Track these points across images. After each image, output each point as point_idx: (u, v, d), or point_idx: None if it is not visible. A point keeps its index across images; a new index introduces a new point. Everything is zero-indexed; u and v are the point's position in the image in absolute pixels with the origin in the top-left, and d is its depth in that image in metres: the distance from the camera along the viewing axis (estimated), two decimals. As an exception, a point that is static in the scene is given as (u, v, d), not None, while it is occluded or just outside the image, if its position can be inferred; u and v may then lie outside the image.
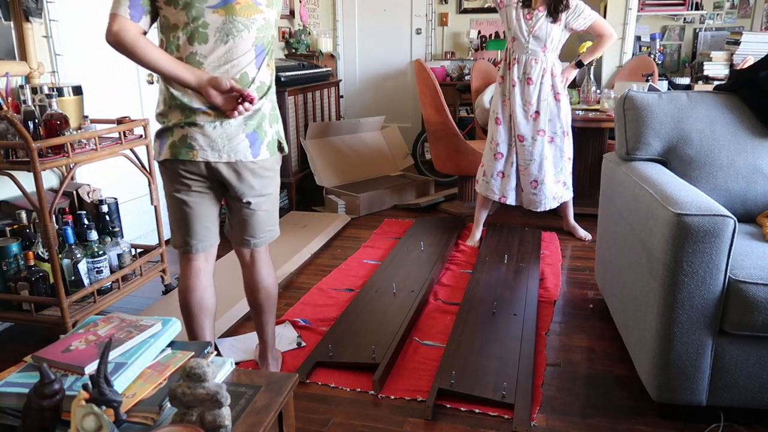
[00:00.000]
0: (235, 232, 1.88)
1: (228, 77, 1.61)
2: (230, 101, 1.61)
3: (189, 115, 1.63)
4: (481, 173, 3.39)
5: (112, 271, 2.46)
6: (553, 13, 3.04)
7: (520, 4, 3.11)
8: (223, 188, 1.79)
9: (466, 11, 5.45)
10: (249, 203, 1.80)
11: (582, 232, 3.46)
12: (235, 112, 1.62)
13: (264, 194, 1.81)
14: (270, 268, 1.96)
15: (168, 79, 1.62)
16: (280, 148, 1.81)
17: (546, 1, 3.05)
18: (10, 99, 2.34)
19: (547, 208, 3.32)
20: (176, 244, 1.83)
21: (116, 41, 1.50)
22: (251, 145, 1.70)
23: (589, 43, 3.85)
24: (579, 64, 3.30)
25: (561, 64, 3.25)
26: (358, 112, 5.72)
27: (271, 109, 1.75)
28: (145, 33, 1.56)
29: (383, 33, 5.66)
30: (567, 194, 3.35)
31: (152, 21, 1.60)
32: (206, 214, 1.79)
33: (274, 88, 1.78)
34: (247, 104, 1.62)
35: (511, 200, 3.34)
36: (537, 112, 3.19)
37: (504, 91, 3.26)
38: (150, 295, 2.77)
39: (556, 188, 3.29)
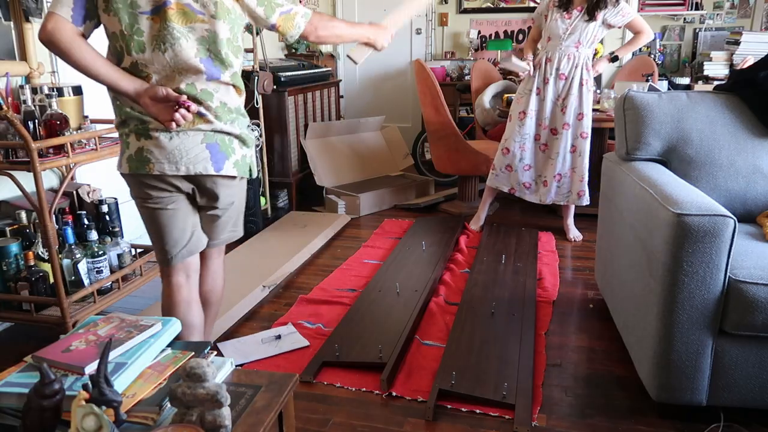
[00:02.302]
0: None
1: (172, 87, 1.52)
2: (166, 111, 1.51)
3: (142, 126, 1.55)
4: (491, 168, 3.49)
5: (112, 271, 2.46)
6: (592, 12, 3.09)
7: (558, 7, 3.17)
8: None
9: (466, 11, 5.45)
10: (210, 213, 1.72)
11: (573, 233, 3.47)
12: (172, 123, 1.52)
13: (227, 206, 1.72)
14: (218, 273, 1.87)
15: (110, 88, 1.54)
16: (250, 173, 1.73)
17: (584, 6, 3.11)
18: (10, 99, 2.34)
19: (573, 203, 3.39)
20: (157, 258, 1.74)
21: (50, 41, 1.42)
22: (212, 156, 1.60)
23: (602, 49, 3.89)
24: (614, 59, 3.39)
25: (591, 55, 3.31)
26: (358, 112, 5.72)
27: (240, 133, 1.66)
28: (85, 37, 1.49)
29: (383, 33, 5.65)
30: (583, 199, 3.37)
31: (95, 27, 1.53)
32: (184, 218, 1.69)
33: (244, 116, 1.69)
34: (183, 111, 1.51)
35: (520, 194, 3.43)
36: (566, 106, 3.25)
37: (526, 89, 3.31)
38: (150, 295, 2.77)
39: (580, 185, 3.34)
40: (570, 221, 3.49)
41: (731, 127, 2.13)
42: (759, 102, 2.14)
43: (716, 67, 4.35)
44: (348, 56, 1.88)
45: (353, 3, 5.65)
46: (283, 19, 1.61)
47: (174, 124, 1.52)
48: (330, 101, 4.84)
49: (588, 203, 3.37)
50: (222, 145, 1.62)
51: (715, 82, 4.01)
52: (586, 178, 3.35)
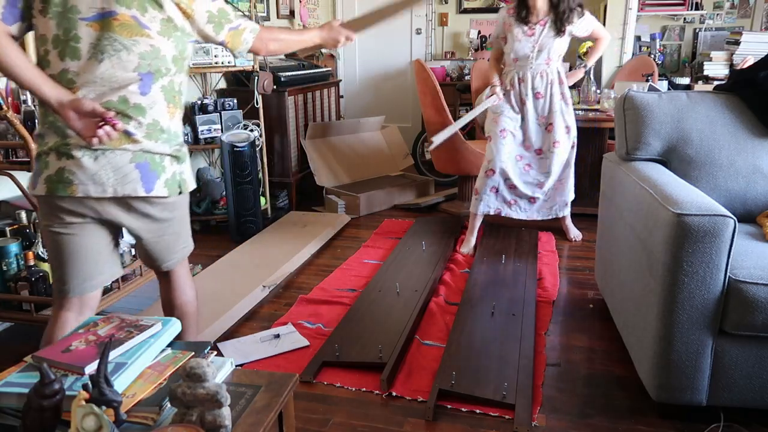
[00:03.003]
0: (142, 258, 1.70)
1: (102, 100, 1.42)
2: (90, 126, 1.39)
3: (63, 143, 1.44)
4: (474, 192, 3.33)
5: (112, 271, 2.45)
6: (560, 28, 3.01)
7: (517, 23, 3.05)
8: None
9: (466, 11, 5.45)
10: (149, 237, 1.61)
11: (573, 233, 3.46)
12: (95, 140, 1.40)
13: (164, 227, 1.60)
14: (187, 284, 1.77)
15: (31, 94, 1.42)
16: (180, 191, 1.60)
17: (549, 17, 3.02)
18: (10, 99, 2.34)
19: (560, 215, 3.36)
20: (53, 287, 1.60)
21: None
22: (143, 176, 1.49)
23: (589, 43, 3.86)
24: (586, 67, 3.38)
25: (564, 66, 3.26)
26: (358, 112, 5.72)
27: (171, 151, 1.55)
28: (14, 38, 1.41)
29: (383, 33, 5.65)
30: (566, 210, 3.37)
31: (27, 30, 1.45)
32: (94, 248, 1.56)
33: (176, 135, 1.57)
34: (108, 129, 1.39)
35: (506, 213, 3.31)
36: (551, 124, 3.17)
37: (503, 108, 3.20)
38: (150, 295, 2.76)
39: (569, 195, 3.31)
40: (569, 221, 3.48)
41: (731, 127, 2.13)
42: (759, 102, 2.14)
43: (716, 67, 4.34)
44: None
45: (353, 3, 5.65)
46: (231, 35, 1.58)
47: (96, 141, 1.40)
48: (330, 101, 4.84)
49: (569, 211, 3.37)
50: (152, 164, 1.51)
51: (715, 82, 4.01)
52: (573, 186, 3.33)
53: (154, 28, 1.45)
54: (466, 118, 3.43)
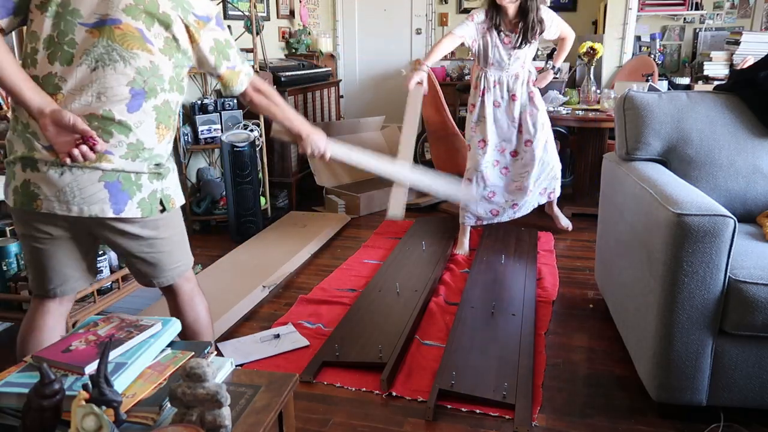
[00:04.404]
0: (132, 273, 1.61)
1: (86, 111, 1.34)
2: (67, 142, 1.31)
3: (29, 153, 1.36)
4: (462, 205, 3.29)
5: (112, 271, 2.45)
6: (529, 39, 3.00)
7: (492, 29, 3.02)
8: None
9: (466, 11, 5.45)
10: (134, 257, 1.52)
11: (564, 222, 3.50)
12: (67, 158, 1.31)
13: (148, 243, 1.50)
14: (194, 300, 1.66)
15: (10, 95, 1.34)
16: (162, 208, 1.49)
17: (517, 28, 2.99)
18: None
19: (556, 193, 3.37)
20: (30, 287, 1.57)
21: None
22: (111, 197, 1.38)
23: (590, 43, 3.85)
24: (555, 69, 3.33)
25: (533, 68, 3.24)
26: (358, 112, 5.72)
27: (149, 170, 1.45)
28: (2, 31, 1.34)
29: (383, 33, 5.66)
30: (557, 184, 3.36)
31: (19, 25, 1.38)
32: (68, 258, 1.51)
33: (160, 156, 1.47)
34: (85, 149, 1.31)
35: (489, 221, 3.29)
36: (521, 125, 3.17)
37: (480, 116, 3.16)
38: (150, 295, 2.76)
39: (545, 184, 3.31)
40: (557, 210, 3.51)
41: (731, 127, 2.13)
42: (759, 102, 2.14)
43: (716, 67, 4.34)
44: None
45: (353, 3, 5.65)
46: (229, 73, 1.54)
47: (68, 159, 1.32)
48: (330, 101, 4.84)
49: (559, 186, 3.37)
50: (125, 183, 1.40)
51: (715, 82, 4.01)
52: (559, 172, 3.34)
53: (158, 44, 1.39)
54: (408, 137, 2.95)
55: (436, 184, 2.14)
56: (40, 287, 1.53)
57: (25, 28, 1.39)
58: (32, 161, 1.36)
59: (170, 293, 1.65)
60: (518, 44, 3.02)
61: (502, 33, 3.02)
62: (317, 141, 1.74)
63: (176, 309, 1.66)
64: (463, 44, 3.10)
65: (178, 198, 1.55)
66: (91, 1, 1.34)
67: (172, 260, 1.58)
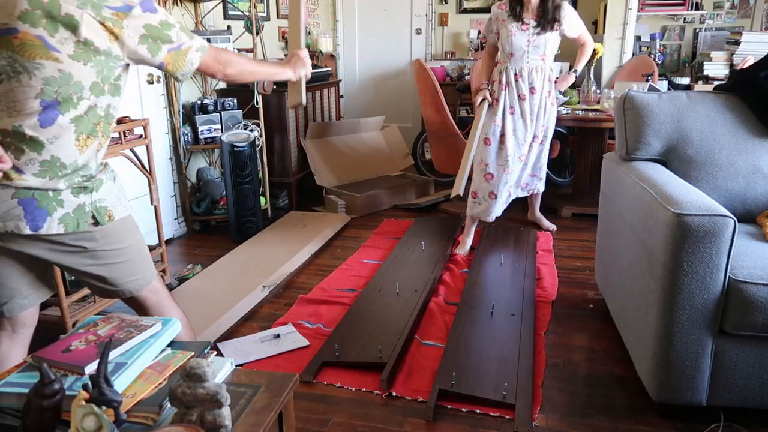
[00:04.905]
0: (91, 291, 1.54)
1: None
2: None
3: None
4: (471, 195, 3.31)
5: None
6: (545, 25, 3.05)
7: (510, 18, 3.08)
8: None
9: (466, 11, 5.45)
10: (77, 275, 1.45)
11: (547, 223, 3.59)
12: None
13: (92, 259, 1.41)
14: (161, 315, 1.54)
15: None
16: (95, 221, 1.39)
17: (537, 14, 3.06)
18: None
19: (538, 191, 3.51)
20: None
21: None
22: (26, 214, 1.30)
23: (601, 45, 3.90)
24: (576, 73, 3.40)
25: (555, 66, 3.31)
26: (358, 112, 5.72)
27: (71, 185, 1.36)
28: None
29: (383, 33, 5.66)
30: (540, 185, 3.48)
31: None
32: (8, 268, 1.43)
33: (85, 167, 1.39)
34: None
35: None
36: (536, 120, 3.22)
37: (501, 111, 3.18)
38: (150, 295, 2.76)
39: (528, 180, 3.43)
40: (538, 213, 3.63)
41: (731, 127, 2.13)
42: (759, 102, 2.14)
43: (716, 67, 4.34)
44: (291, 107, 1.87)
45: (353, 3, 5.64)
46: (172, 56, 1.39)
47: None
48: (330, 101, 4.84)
49: (543, 188, 3.50)
50: (42, 200, 1.32)
51: (715, 82, 4.01)
52: (545, 175, 3.47)
53: (66, 50, 1.27)
54: (474, 144, 3.23)
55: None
56: None
57: None
58: None
59: (135, 305, 1.56)
60: (537, 29, 3.06)
61: (521, 21, 3.08)
62: (303, 69, 1.74)
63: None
64: (477, 48, 3.23)
65: (118, 210, 1.46)
66: None
67: (124, 273, 1.48)
